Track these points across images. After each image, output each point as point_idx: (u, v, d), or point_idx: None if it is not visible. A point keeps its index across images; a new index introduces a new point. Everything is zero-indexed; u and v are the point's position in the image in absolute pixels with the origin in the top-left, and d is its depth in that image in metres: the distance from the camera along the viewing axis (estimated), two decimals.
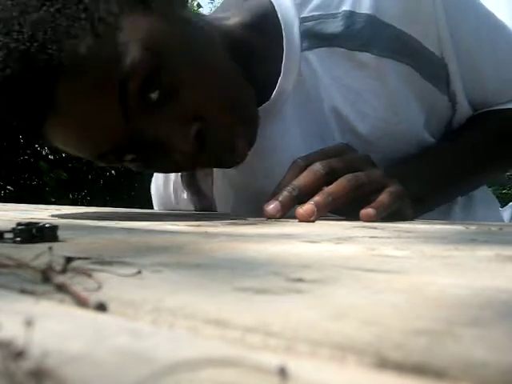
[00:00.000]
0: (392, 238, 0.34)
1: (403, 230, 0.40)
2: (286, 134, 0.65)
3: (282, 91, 0.63)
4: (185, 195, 0.81)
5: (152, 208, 0.92)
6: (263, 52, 0.64)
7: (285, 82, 0.63)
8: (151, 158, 0.56)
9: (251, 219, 0.54)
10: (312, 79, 0.63)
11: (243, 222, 0.51)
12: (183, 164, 0.56)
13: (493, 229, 0.42)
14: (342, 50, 0.62)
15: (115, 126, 0.51)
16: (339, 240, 0.33)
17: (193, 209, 0.81)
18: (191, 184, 0.79)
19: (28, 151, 3.37)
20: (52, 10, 0.47)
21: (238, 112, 0.58)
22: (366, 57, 0.61)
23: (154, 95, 0.50)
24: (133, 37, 0.49)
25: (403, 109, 0.63)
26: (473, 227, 0.43)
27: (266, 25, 0.64)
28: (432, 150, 0.66)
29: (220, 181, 0.74)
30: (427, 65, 0.63)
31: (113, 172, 3.52)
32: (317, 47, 0.63)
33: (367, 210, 0.49)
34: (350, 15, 0.61)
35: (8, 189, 3.29)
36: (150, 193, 0.91)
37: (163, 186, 0.85)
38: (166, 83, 0.51)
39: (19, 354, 0.11)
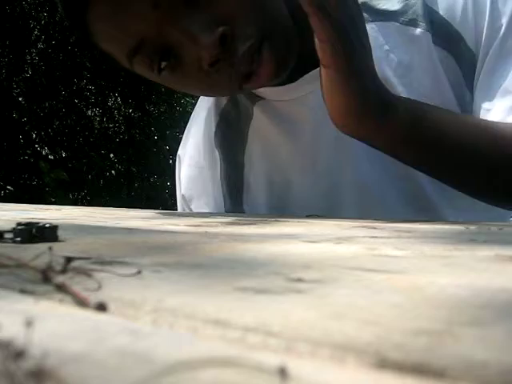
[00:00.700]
0: (392, 238, 0.34)
1: (403, 229, 0.40)
2: None
3: None
4: (217, 153, 0.80)
5: (151, 208, 0.92)
6: None
7: None
8: (179, 63, 0.58)
9: (251, 219, 0.54)
10: None
11: (243, 221, 0.51)
12: (210, 74, 0.57)
13: (493, 229, 0.42)
14: (396, 24, 0.65)
15: (146, 20, 0.55)
16: (339, 240, 0.33)
17: (219, 170, 0.80)
18: (223, 145, 0.78)
19: (28, 151, 3.37)
20: None
21: (271, 31, 0.59)
22: (417, 32, 0.64)
23: None
24: None
25: (443, 92, 0.65)
26: (473, 227, 0.43)
27: None
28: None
29: (253, 144, 0.74)
30: (463, 58, 0.64)
31: (113, 172, 3.53)
32: (371, 21, 0.65)
33: None
34: None
35: (8, 189, 3.29)
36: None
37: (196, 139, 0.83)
38: None
39: (19, 355, 0.11)
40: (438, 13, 0.64)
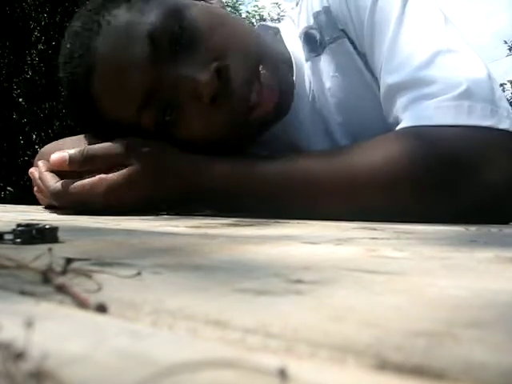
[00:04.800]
0: (391, 240, 0.34)
1: (403, 231, 0.40)
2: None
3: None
4: None
5: None
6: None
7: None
8: (181, 110, 0.61)
9: (251, 220, 0.54)
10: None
11: (243, 223, 0.50)
12: (210, 111, 0.59)
13: (492, 230, 0.42)
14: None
15: (148, 74, 0.59)
16: (339, 241, 0.33)
17: None
18: None
19: (28, 152, 3.37)
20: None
21: (257, 61, 0.62)
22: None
23: (178, 46, 0.59)
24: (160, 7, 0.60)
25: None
26: (472, 228, 0.43)
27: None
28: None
29: None
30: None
31: None
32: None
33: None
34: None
35: (8, 190, 3.29)
36: None
37: None
38: (187, 37, 0.60)
39: (19, 356, 0.11)
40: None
